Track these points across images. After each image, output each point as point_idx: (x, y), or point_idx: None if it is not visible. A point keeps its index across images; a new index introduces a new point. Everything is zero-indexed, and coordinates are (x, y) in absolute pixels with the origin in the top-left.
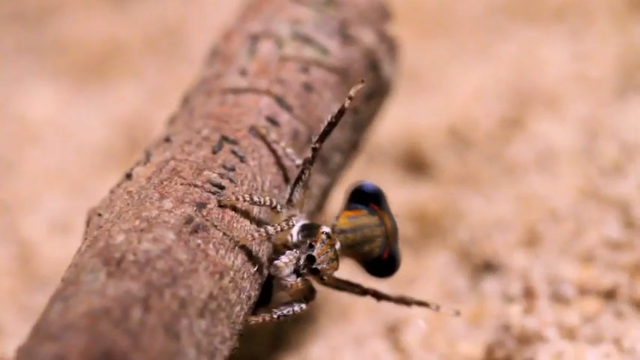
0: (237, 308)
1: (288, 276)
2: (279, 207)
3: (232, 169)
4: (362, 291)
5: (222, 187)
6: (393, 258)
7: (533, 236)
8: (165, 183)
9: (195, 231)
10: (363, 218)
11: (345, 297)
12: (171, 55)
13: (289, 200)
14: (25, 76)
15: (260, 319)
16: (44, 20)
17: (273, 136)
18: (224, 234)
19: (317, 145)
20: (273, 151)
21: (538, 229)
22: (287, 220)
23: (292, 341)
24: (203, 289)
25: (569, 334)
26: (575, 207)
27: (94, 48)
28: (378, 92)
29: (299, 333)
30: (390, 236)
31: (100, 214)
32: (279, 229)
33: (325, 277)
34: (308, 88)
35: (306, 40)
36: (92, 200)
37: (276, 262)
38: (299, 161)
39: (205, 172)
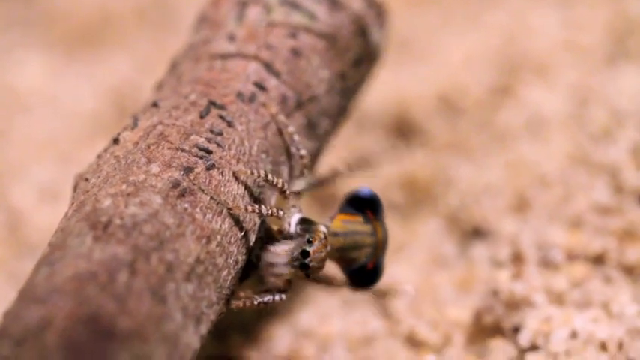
0: (225, 272)
1: (281, 265)
2: (287, 192)
3: (220, 134)
4: (337, 285)
5: (209, 152)
6: (377, 269)
7: (523, 202)
8: (152, 147)
9: (182, 195)
10: (357, 225)
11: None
12: (160, 25)
13: (297, 193)
14: (15, 47)
15: (240, 304)
16: None
17: (282, 118)
18: (211, 198)
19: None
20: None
21: (527, 195)
22: (283, 210)
23: (280, 308)
24: (190, 253)
25: (558, 299)
26: (564, 173)
27: (83, 19)
28: (366, 58)
29: (287, 300)
30: (379, 248)
31: (87, 179)
32: (272, 212)
33: (310, 275)
34: (296, 53)
35: (294, 5)
36: (81, 168)
37: (271, 248)
38: (303, 152)
39: (193, 137)
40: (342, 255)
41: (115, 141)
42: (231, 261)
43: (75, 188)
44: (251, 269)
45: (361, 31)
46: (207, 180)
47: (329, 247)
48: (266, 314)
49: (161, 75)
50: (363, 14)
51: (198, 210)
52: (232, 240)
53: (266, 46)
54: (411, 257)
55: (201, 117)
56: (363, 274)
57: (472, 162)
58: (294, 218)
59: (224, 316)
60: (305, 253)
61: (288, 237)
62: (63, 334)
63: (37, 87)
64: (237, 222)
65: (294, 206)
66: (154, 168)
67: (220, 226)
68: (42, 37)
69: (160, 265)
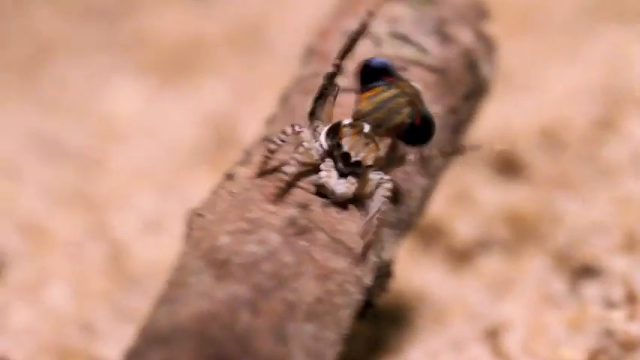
0: (343, 312)
1: (338, 185)
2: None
3: None
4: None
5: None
6: (426, 121)
7: (633, 240)
8: (268, 184)
9: (300, 233)
10: (382, 94)
11: (440, 300)
12: (253, 51)
13: (311, 114)
14: (108, 72)
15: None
16: (122, 15)
17: None
18: (329, 236)
19: (338, 62)
20: None
21: (637, 233)
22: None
23: (390, 345)
24: (309, 292)
25: None
26: None
27: (174, 43)
28: (476, 92)
29: (397, 337)
30: (415, 101)
31: (202, 215)
32: (303, 147)
33: (370, 167)
34: None
35: (404, 38)
36: (182, 199)
37: (319, 179)
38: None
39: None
40: (387, 127)
41: (229, 176)
42: (349, 300)
43: (189, 224)
44: (367, 308)
45: (471, 64)
46: (325, 217)
47: (366, 129)
48: (377, 349)
49: (257, 103)
50: (473, 47)
51: (316, 248)
52: (350, 279)
53: None
54: (519, 295)
55: None
56: (416, 132)
57: (577, 197)
58: (322, 135)
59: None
60: (346, 156)
61: (327, 156)
62: None
63: (132, 114)
64: (355, 260)
65: (317, 127)
66: (271, 205)
67: (338, 264)
68: (133, 62)
69: (281, 305)
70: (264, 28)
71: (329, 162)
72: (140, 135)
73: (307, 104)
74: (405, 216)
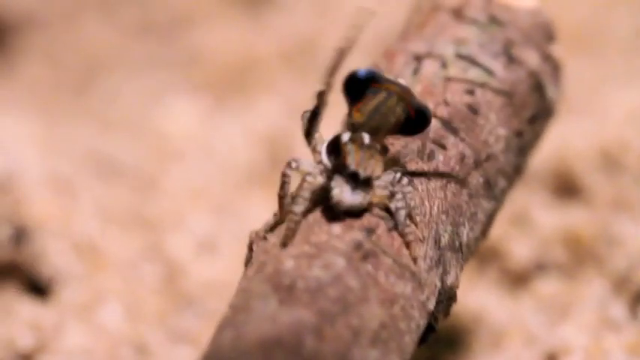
0: (407, 337)
1: (352, 198)
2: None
3: None
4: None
5: (391, 212)
6: (420, 112)
7: None
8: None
9: (365, 257)
10: (373, 101)
11: (497, 323)
12: (307, 68)
13: (307, 134)
14: (162, 90)
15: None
16: (175, 32)
17: None
18: (393, 260)
19: (327, 79)
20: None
21: None
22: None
23: None
24: (374, 317)
25: None
26: None
27: (228, 62)
28: (541, 115)
29: (454, 359)
30: (405, 96)
31: (265, 238)
32: (307, 181)
33: (379, 178)
34: (474, 110)
35: (471, 61)
36: (237, 219)
37: (333, 198)
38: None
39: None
40: (387, 129)
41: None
42: (413, 326)
43: (251, 246)
44: (429, 332)
45: (537, 87)
46: (390, 242)
47: (367, 140)
48: None
49: None
50: (539, 70)
51: (381, 273)
52: (414, 304)
53: (443, 103)
54: (577, 319)
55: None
56: (413, 124)
57: (636, 220)
58: (323, 152)
59: None
60: (354, 175)
61: (334, 172)
62: None
63: (187, 133)
64: (419, 285)
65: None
66: (336, 228)
67: (403, 290)
68: (186, 80)
69: (346, 330)
70: (317, 45)
71: (338, 178)
72: (195, 154)
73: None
74: (470, 241)
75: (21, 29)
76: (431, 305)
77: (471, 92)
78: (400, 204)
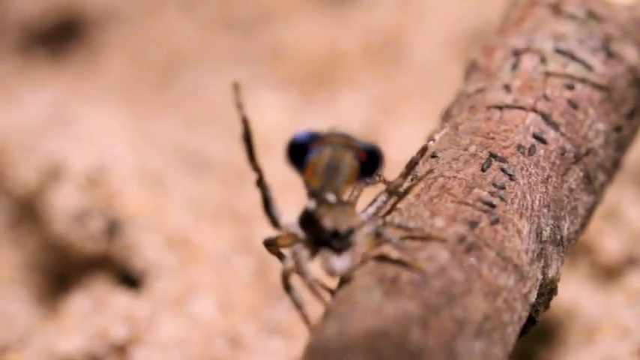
0: (510, 329)
1: (342, 265)
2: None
3: (502, 187)
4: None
5: (493, 206)
6: (370, 152)
7: None
8: (435, 200)
9: (468, 250)
10: (320, 162)
11: (590, 317)
12: (391, 62)
13: (274, 224)
14: (246, 84)
15: None
16: (257, 27)
17: None
18: (497, 253)
19: (255, 165)
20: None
21: None
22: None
23: None
24: (478, 309)
25: None
26: None
27: (313, 56)
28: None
29: (548, 353)
30: (350, 143)
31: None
32: (294, 250)
33: (361, 227)
34: (573, 105)
35: (570, 56)
36: None
37: (323, 269)
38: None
39: (475, 190)
40: (344, 181)
41: (393, 192)
42: (515, 317)
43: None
44: (530, 324)
45: (636, 82)
46: (493, 235)
47: (332, 198)
48: None
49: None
50: (638, 65)
51: (484, 265)
52: (517, 296)
53: (543, 97)
54: None
55: (483, 169)
56: (369, 165)
57: None
58: (294, 227)
59: None
60: (336, 235)
61: (312, 243)
62: None
63: (274, 127)
64: (522, 278)
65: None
66: (439, 221)
67: (506, 282)
68: (271, 74)
69: (450, 322)
70: (401, 39)
71: (323, 250)
72: (283, 147)
73: (474, 122)
74: (570, 235)
75: (104, 25)
76: (532, 298)
77: (570, 87)
78: (389, 234)
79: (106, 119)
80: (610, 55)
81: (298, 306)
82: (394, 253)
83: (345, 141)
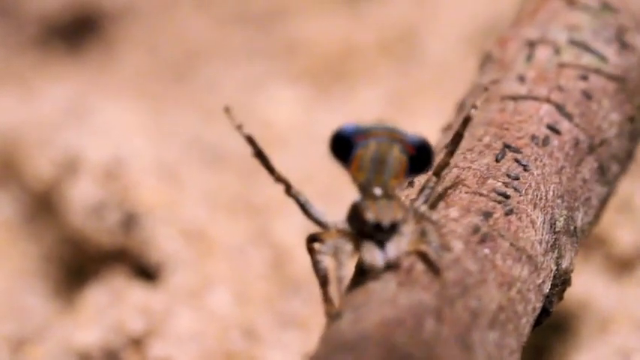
0: (524, 320)
1: (386, 258)
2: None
3: (516, 178)
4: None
5: (507, 197)
6: (420, 145)
7: None
8: (449, 191)
9: (482, 241)
10: (366, 156)
11: (604, 309)
12: (406, 58)
13: (323, 225)
14: (262, 79)
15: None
16: (272, 22)
17: None
18: (511, 244)
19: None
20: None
21: None
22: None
23: (556, 353)
24: (492, 300)
25: None
26: None
27: (326, 51)
28: None
29: (562, 345)
30: (397, 136)
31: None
32: (341, 250)
33: (405, 222)
34: (587, 96)
35: (584, 46)
36: (342, 204)
37: (364, 263)
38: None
39: (490, 181)
40: (391, 176)
41: (410, 183)
42: (529, 308)
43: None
44: (544, 316)
45: None
46: (507, 225)
47: (378, 192)
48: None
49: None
50: None
51: (498, 256)
52: (531, 287)
53: (557, 88)
54: None
55: (497, 160)
56: (418, 161)
57: None
58: (341, 223)
59: None
60: (378, 227)
61: (358, 237)
62: None
63: (289, 121)
64: (536, 268)
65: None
66: (453, 212)
67: (520, 273)
68: (286, 69)
69: (465, 313)
70: (416, 35)
71: (366, 243)
72: (299, 141)
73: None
74: (584, 225)
75: (120, 19)
76: (546, 288)
77: (584, 78)
78: (432, 237)
79: (123, 113)
80: (624, 45)
81: (317, 271)
82: (430, 255)
83: (391, 134)
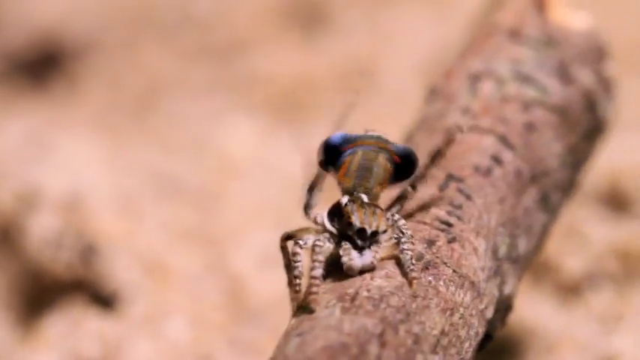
0: (466, 344)
1: (362, 260)
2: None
3: (459, 207)
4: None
5: (450, 225)
6: (405, 154)
7: None
8: None
9: (426, 268)
10: (354, 162)
11: (551, 334)
12: (361, 91)
13: (306, 206)
14: (221, 111)
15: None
16: (232, 56)
17: None
18: (453, 271)
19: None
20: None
21: None
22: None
23: None
24: (435, 325)
25: None
26: None
27: (286, 83)
28: (595, 132)
29: None
30: (383, 145)
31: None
32: (319, 247)
33: (385, 232)
34: (530, 127)
35: (527, 79)
36: None
37: (342, 262)
38: None
39: (433, 210)
40: (378, 183)
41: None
42: (472, 333)
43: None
44: (487, 340)
45: (590, 104)
46: (450, 253)
47: (365, 198)
48: None
49: None
50: (593, 88)
51: (441, 282)
52: (474, 312)
53: (500, 120)
54: (629, 329)
55: (441, 190)
56: (402, 169)
57: None
58: (324, 219)
59: None
60: (361, 232)
61: (340, 237)
62: None
63: (247, 152)
64: (478, 294)
65: (317, 215)
66: None
67: (463, 298)
68: (245, 101)
69: (408, 338)
70: (373, 68)
71: (345, 245)
72: (255, 172)
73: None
74: (527, 252)
75: (84, 55)
76: (489, 314)
77: (526, 110)
78: (406, 246)
79: (83, 146)
80: (566, 78)
81: (288, 266)
82: (406, 264)
83: (378, 143)
